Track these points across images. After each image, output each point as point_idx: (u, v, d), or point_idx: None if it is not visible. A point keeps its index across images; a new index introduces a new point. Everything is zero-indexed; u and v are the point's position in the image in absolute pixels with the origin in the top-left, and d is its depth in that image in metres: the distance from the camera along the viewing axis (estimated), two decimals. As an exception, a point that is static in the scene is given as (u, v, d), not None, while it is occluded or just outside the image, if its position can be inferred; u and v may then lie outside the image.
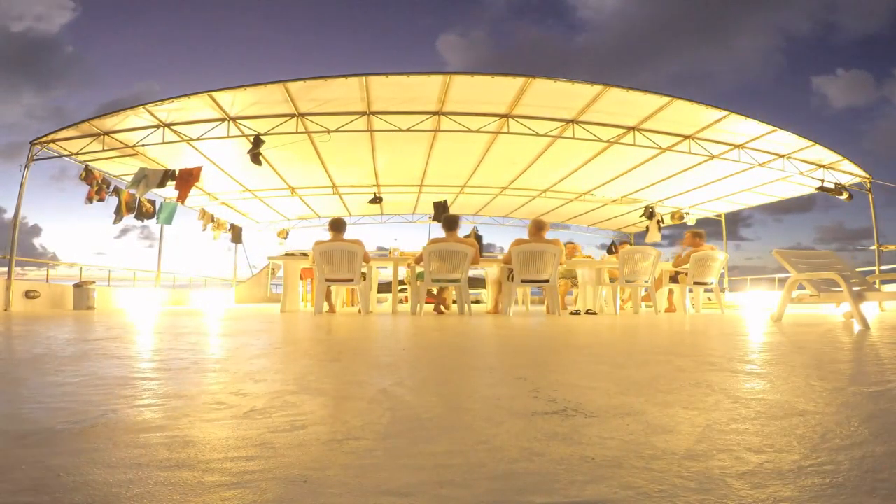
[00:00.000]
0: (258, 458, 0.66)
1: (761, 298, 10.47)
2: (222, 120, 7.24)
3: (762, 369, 1.49)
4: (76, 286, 7.32)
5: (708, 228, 11.06)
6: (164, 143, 7.44)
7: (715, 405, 0.98)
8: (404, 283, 7.42)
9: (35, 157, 7.16)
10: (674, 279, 6.92)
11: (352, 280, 5.51)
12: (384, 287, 9.35)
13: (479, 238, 7.94)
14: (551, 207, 13.07)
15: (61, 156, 7.41)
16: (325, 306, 5.90)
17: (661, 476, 0.60)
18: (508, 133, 7.65)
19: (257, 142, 7.36)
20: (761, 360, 1.70)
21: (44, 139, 7.16)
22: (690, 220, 12.52)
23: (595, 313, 5.94)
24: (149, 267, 10.95)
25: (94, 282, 7.56)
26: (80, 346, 2.13)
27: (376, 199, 11.35)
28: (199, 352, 1.91)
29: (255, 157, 7.51)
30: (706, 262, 6.38)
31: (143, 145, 7.58)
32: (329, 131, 7.39)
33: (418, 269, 5.81)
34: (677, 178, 10.02)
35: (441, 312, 5.67)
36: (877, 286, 4.22)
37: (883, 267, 8.84)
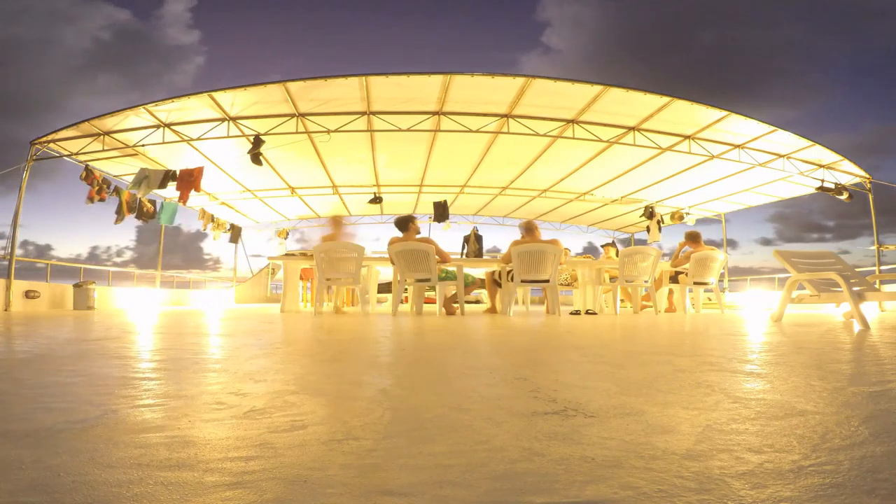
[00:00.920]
0: (258, 458, 0.66)
1: (761, 298, 10.49)
2: (222, 120, 7.25)
3: (762, 369, 1.49)
4: (76, 286, 7.33)
5: (708, 229, 11.08)
6: (164, 143, 7.44)
7: (715, 405, 0.98)
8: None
9: (35, 157, 7.17)
10: (674, 279, 6.93)
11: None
12: (384, 287, 9.35)
13: (478, 238, 7.92)
14: (551, 207, 13.07)
15: (61, 156, 7.41)
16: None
17: (661, 476, 0.60)
18: (508, 133, 7.65)
19: (257, 142, 7.36)
20: (761, 361, 1.70)
21: (43, 139, 7.16)
22: (690, 221, 12.52)
23: (595, 313, 5.94)
24: (148, 267, 10.97)
25: (94, 282, 7.57)
26: (80, 346, 2.13)
27: (376, 199, 11.35)
28: (199, 352, 1.91)
29: (256, 157, 7.52)
30: (706, 262, 6.39)
31: (143, 145, 7.58)
32: (329, 131, 7.40)
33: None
34: (677, 178, 10.02)
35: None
36: (877, 286, 4.22)
37: (883, 267, 8.85)
